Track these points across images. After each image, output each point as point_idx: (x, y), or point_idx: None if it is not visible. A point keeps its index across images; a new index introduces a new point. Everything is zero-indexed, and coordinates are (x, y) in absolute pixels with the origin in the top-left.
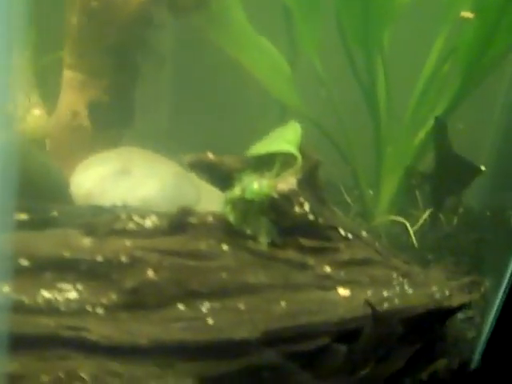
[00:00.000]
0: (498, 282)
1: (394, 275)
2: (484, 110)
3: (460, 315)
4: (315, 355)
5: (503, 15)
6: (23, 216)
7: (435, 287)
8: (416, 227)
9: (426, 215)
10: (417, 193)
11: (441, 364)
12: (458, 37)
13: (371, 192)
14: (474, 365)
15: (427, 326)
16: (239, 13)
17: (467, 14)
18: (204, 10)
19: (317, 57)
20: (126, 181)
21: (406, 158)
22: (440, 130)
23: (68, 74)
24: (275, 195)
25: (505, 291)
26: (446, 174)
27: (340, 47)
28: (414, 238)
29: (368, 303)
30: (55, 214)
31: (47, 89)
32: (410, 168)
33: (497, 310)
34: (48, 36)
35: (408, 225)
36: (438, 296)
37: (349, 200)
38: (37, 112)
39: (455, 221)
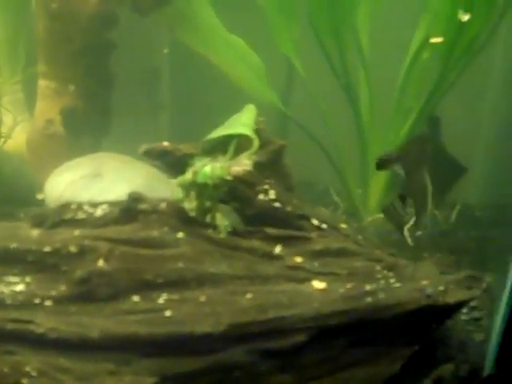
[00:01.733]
0: (504, 282)
1: (378, 267)
2: (476, 106)
3: (464, 316)
4: (292, 354)
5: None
6: None
7: (426, 281)
8: (409, 225)
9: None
10: None
11: (446, 370)
12: (432, 26)
13: (360, 191)
14: (486, 371)
15: (423, 326)
16: (208, 11)
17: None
18: (168, 8)
19: (295, 55)
20: (97, 184)
21: None
22: (433, 127)
23: (42, 83)
24: (229, 178)
25: (511, 291)
26: (435, 173)
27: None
28: (407, 235)
29: None
30: (21, 216)
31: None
32: None
33: (505, 310)
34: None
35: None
36: (430, 291)
37: (338, 201)
38: (22, 128)
39: (453, 218)
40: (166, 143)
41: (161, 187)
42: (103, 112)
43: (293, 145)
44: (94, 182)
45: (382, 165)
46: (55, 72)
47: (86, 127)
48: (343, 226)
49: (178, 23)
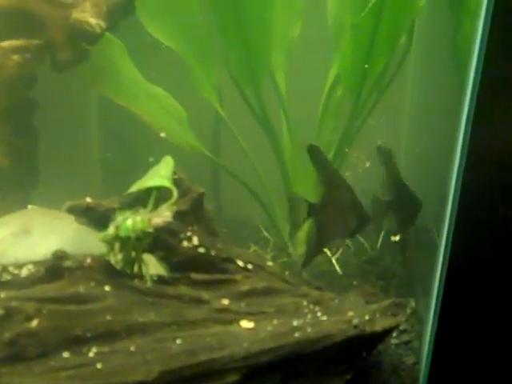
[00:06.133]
0: (429, 303)
1: (304, 303)
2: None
3: (395, 340)
4: None
5: (375, 38)
6: None
7: (352, 312)
8: (337, 255)
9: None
10: None
11: None
12: (341, 64)
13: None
14: None
15: (354, 355)
16: (127, 63)
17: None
18: (87, 63)
19: (216, 99)
20: (26, 241)
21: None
22: (385, 159)
23: None
24: (150, 230)
25: (435, 312)
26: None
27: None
28: (336, 265)
29: None
30: None
31: None
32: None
33: (431, 332)
34: None
35: (328, 253)
36: (356, 321)
37: (268, 236)
38: None
39: (378, 245)
40: (88, 199)
41: (92, 240)
42: (31, 169)
43: (226, 185)
44: (24, 238)
45: (310, 149)
46: None
47: (14, 185)
48: (269, 263)
49: (98, 77)
